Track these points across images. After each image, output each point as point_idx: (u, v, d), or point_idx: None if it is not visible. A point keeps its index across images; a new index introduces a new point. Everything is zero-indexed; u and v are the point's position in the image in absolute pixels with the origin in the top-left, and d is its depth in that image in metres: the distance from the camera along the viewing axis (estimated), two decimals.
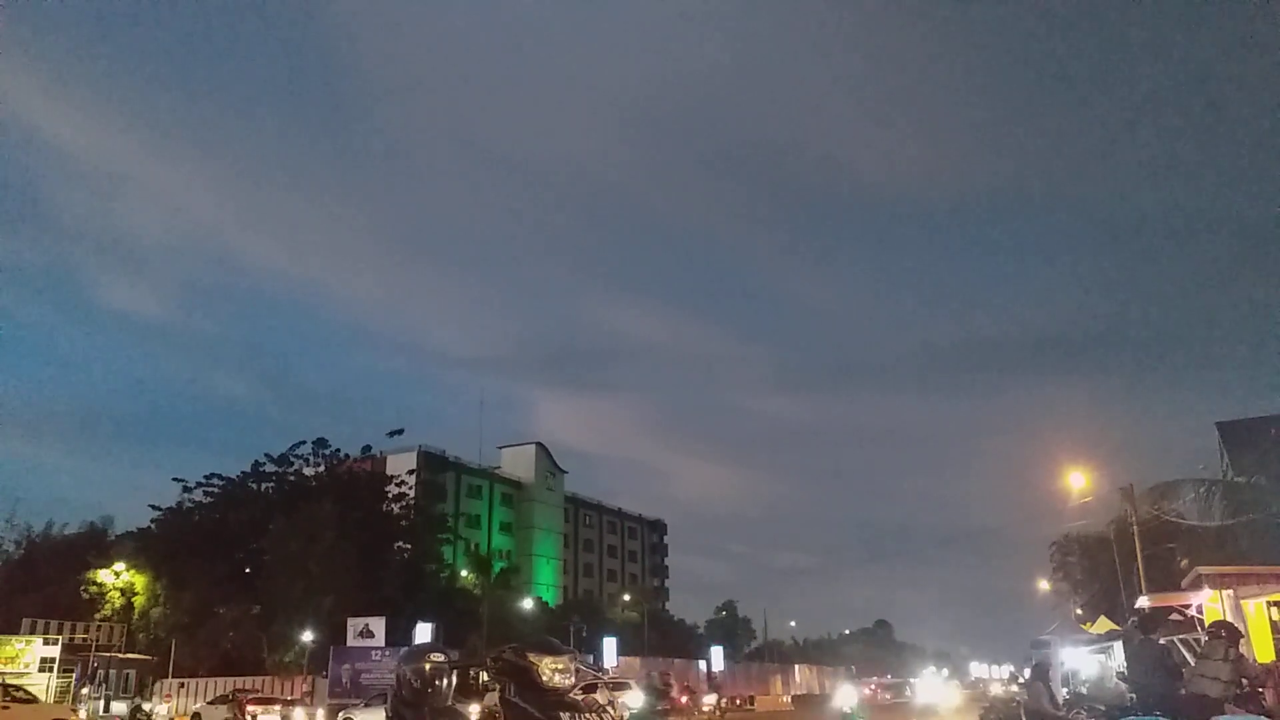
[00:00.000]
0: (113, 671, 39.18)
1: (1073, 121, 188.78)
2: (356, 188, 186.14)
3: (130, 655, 43.03)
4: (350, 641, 39.12)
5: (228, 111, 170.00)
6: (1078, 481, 26.40)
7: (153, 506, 53.54)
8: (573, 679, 4.30)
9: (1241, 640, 10.54)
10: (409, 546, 54.71)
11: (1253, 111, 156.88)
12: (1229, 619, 13.92)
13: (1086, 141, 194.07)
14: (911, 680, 64.42)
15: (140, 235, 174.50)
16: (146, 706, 36.27)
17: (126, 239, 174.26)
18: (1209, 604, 16.05)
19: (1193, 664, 9.56)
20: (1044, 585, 54.06)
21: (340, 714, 31.26)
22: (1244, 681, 8.88)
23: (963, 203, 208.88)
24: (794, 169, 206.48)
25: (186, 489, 53.13)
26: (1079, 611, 44.06)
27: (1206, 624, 13.33)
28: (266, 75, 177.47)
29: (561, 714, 4.14)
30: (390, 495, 56.38)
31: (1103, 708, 14.27)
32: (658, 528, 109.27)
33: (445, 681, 4.37)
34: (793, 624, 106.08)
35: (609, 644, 46.34)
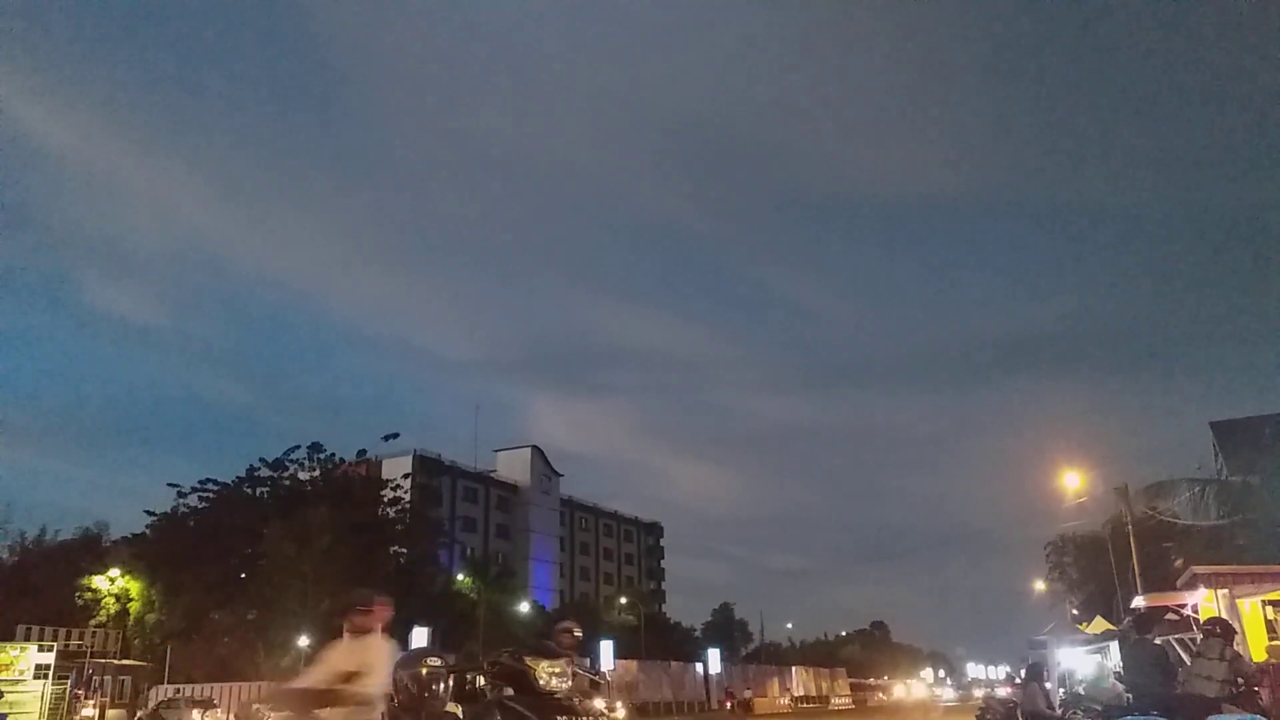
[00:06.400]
0: (108, 678, 38.93)
1: (1071, 120, 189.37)
2: (350, 190, 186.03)
3: (126, 661, 42.81)
4: None
5: (220, 115, 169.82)
6: (1073, 482, 26.44)
7: (147, 512, 53.41)
8: (569, 683, 4.29)
9: (1236, 638, 10.47)
10: (405, 550, 54.58)
11: (1251, 112, 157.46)
12: (1224, 617, 13.98)
13: (1084, 141, 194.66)
14: None
15: (133, 239, 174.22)
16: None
17: (119, 243, 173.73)
18: (1204, 603, 16.05)
19: (1189, 663, 9.53)
20: (1040, 585, 54.16)
21: None
22: (1240, 680, 8.87)
23: (958, 202, 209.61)
24: (789, 170, 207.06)
25: (181, 494, 52.96)
26: (1075, 611, 44.10)
27: (1201, 623, 13.33)
28: (259, 79, 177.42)
29: (558, 718, 4.13)
30: (385, 499, 56.24)
31: (1099, 708, 14.26)
32: (654, 530, 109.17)
33: (442, 686, 4.36)
34: (789, 625, 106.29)
35: (605, 647, 46.21)
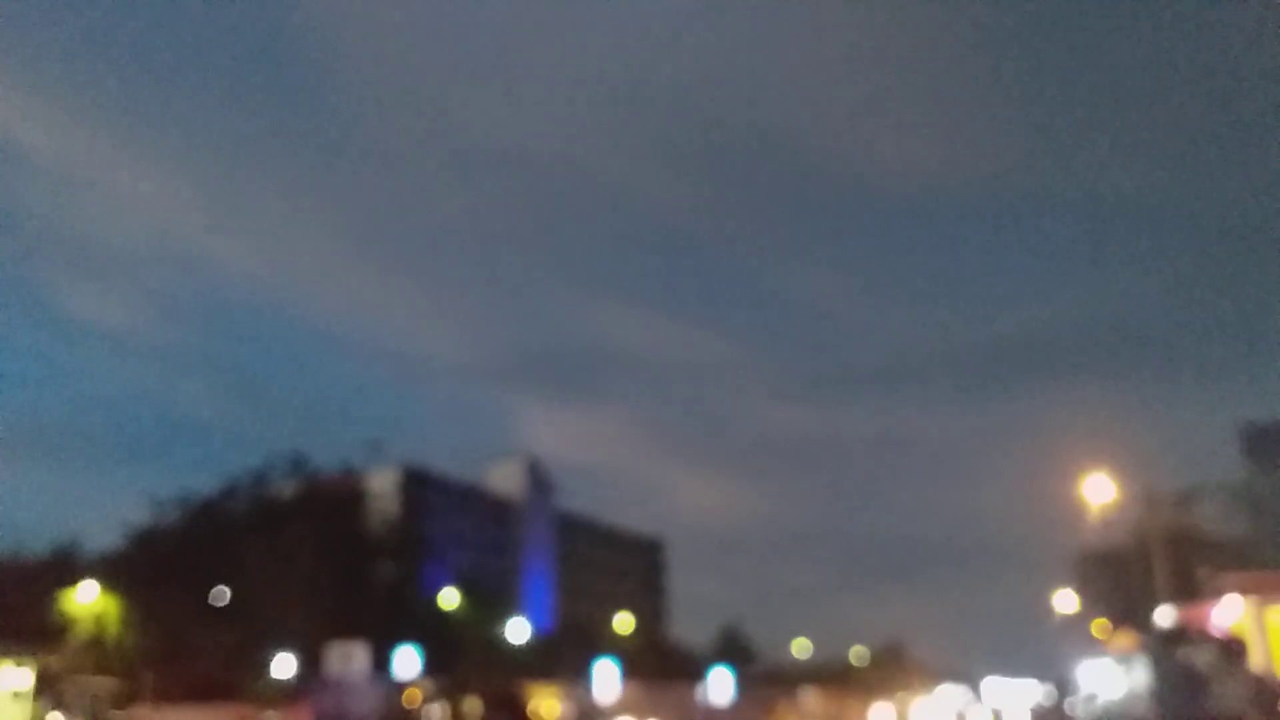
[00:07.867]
0: (85, 699, 37.88)
1: (1095, 118, 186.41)
2: (334, 190, 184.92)
3: (101, 678, 41.87)
4: (331, 667, 37.86)
5: (199, 115, 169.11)
6: (1097, 490, 25.50)
7: (123, 527, 52.09)
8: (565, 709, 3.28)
9: (1250, 654, 11.05)
10: (392, 568, 53.54)
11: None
12: (1248, 630, 14.20)
13: (1107, 138, 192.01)
14: None
15: (108, 242, 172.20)
16: None
17: (94, 246, 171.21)
18: (1230, 616, 16.09)
19: (1215, 679, 9.57)
20: (1066, 599, 52.79)
21: None
22: (1268, 697, 9.00)
23: (973, 200, 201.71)
24: (794, 169, 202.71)
25: (158, 507, 51.71)
26: (1103, 626, 43.33)
27: (1226, 638, 13.21)
28: (239, 77, 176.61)
29: None
30: (371, 514, 55.14)
31: None
32: (655, 546, 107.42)
33: (433, 709, 3.35)
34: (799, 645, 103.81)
35: (605, 669, 45.03)
